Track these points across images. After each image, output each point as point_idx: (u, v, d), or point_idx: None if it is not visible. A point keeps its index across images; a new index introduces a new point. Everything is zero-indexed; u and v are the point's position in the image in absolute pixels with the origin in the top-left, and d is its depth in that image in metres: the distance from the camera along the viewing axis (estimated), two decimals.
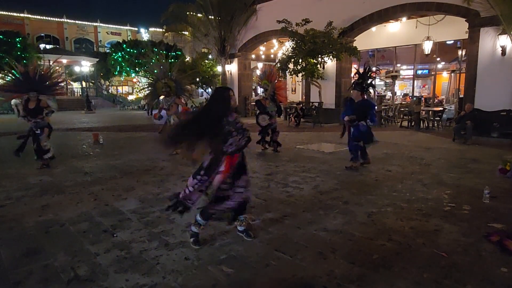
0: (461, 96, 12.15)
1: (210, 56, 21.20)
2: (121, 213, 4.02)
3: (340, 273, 2.67)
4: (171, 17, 17.93)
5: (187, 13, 17.89)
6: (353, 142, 6.03)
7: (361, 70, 6.16)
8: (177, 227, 3.57)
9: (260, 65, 22.73)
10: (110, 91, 34.09)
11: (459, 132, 9.24)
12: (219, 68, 19.57)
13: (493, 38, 9.78)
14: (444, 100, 17.36)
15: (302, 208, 4.15)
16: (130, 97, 30.80)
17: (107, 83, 33.78)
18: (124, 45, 28.05)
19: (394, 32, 15.30)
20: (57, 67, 12.40)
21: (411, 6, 11.50)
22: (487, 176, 5.58)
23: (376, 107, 5.76)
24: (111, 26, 40.11)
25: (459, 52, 14.72)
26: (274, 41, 18.48)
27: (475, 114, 9.32)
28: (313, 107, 14.50)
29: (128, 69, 27.93)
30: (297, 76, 15.18)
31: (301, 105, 14.59)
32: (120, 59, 27.63)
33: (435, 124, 12.26)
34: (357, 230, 3.48)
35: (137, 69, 27.57)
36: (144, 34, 39.12)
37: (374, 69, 6.40)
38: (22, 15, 33.85)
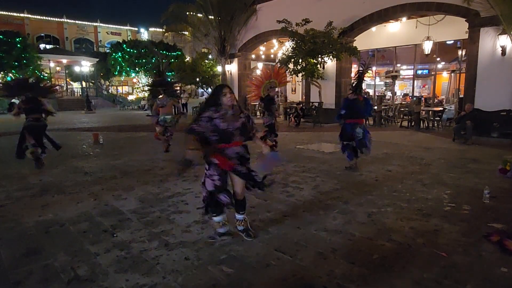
0: (461, 96, 12.15)
1: (210, 56, 21.20)
2: (121, 213, 4.02)
3: (340, 273, 2.67)
4: (171, 17, 17.92)
5: (187, 13, 17.89)
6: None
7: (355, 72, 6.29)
8: (177, 227, 3.57)
9: (260, 65, 22.71)
10: (110, 91, 34.08)
11: (459, 132, 9.24)
12: (219, 68, 19.57)
13: (493, 38, 9.78)
14: (444, 100, 17.35)
15: (302, 208, 4.15)
16: (130, 97, 30.77)
17: (107, 83, 33.78)
18: (124, 45, 28.06)
19: (394, 32, 15.29)
20: (57, 87, 12.70)
21: (411, 6, 11.50)
22: (487, 176, 5.58)
23: (343, 110, 6.03)
24: (111, 26, 40.14)
25: (459, 52, 14.71)
26: (274, 41, 18.46)
27: (475, 114, 9.32)
28: (313, 107, 14.50)
29: (128, 69, 27.94)
30: (297, 76, 15.17)
31: (301, 105, 14.58)
32: (120, 59, 27.64)
33: (435, 124, 12.26)
34: (357, 230, 3.48)
35: (137, 69, 27.60)
36: (144, 34, 39.13)
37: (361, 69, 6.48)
38: (22, 15, 33.88)
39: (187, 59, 24.41)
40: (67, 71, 29.86)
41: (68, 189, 5.03)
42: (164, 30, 21.36)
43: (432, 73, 17.22)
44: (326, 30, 12.58)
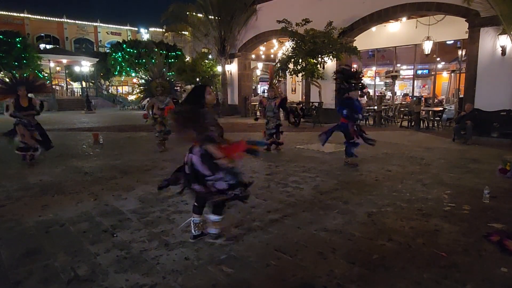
0: (461, 96, 12.16)
1: (210, 56, 21.21)
2: (121, 213, 4.02)
3: (340, 273, 2.67)
4: (171, 17, 17.95)
5: (187, 13, 17.91)
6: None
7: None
8: (177, 227, 3.56)
9: (260, 65, 22.72)
10: (110, 91, 34.07)
11: (459, 132, 9.24)
12: (219, 68, 19.58)
13: (493, 38, 9.78)
14: (444, 100, 17.36)
15: (302, 208, 4.15)
16: (130, 97, 30.73)
17: (107, 83, 33.75)
18: (124, 45, 28.01)
19: (394, 32, 15.30)
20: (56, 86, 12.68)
21: (411, 6, 11.51)
22: (487, 176, 5.58)
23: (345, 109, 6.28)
24: (111, 26, 40.08)
25: (459, 52, 14.73)
26: (274, 41, 18.48)
27: (475, 114, 9.32)
28: (313, 107, 14.51)
29: (128, 69, 27.91)
30: (297, 76, 15.18)
31: (301, 105, 14.59)
32: (120, 59, 27.60)
33: (435, 124, 12.27)
34: (357, 230, 3.48)
35: (137, 69, 27.57)
36: (145, 34, 39.11)
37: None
38: (22, 15, 33.83)
39: (187, 59, 24.40)
40: (67, 71, 29.84)
41: (68, 189, 5.03)
42: (164, 30, 21.37)
43: (432, 73, 17.23)
44: (326, 30, 12.59)
